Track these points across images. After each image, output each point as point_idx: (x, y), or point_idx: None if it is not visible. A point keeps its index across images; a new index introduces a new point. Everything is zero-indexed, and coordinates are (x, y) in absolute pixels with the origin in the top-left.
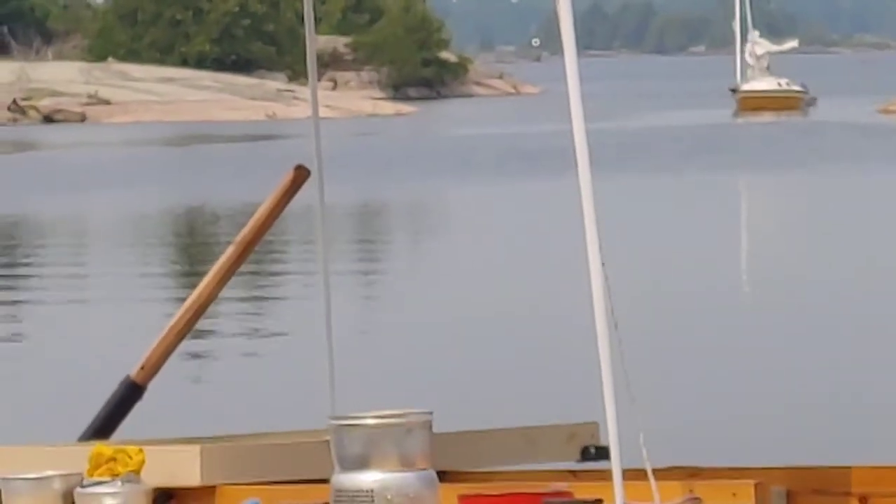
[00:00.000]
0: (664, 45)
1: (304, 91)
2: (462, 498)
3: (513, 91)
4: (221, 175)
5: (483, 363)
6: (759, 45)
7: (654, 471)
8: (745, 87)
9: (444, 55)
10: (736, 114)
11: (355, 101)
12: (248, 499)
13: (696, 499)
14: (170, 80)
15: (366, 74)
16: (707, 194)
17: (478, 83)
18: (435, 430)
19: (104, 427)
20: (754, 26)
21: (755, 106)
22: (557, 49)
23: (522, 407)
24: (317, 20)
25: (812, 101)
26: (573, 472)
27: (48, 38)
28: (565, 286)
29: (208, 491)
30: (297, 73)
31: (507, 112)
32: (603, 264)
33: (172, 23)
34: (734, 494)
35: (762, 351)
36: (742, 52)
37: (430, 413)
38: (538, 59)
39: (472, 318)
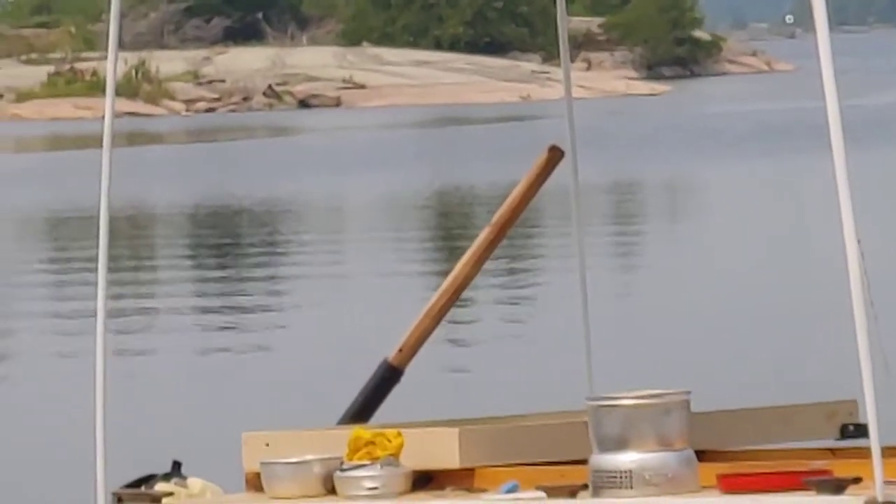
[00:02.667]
0: None
1: (557, 72)
2: (721, 477)
3: (766, 68)
4: (476, 157)
5: (739, 341)
6: None
7: None
8: None
9: (698, 34)
10: None
11: (609, 81)
12: (506, 481)
13: None
14: (424, 63)
15: (619, 54)
16: None
17: (731, 61)
18: (693, 409)
19: (363, 411)
20: None
21: None
22: (811, 25)
23: (780, 385)
24: (570, 1)
25: None
26: (832, 451)
27: (302, 23)
28: (821, 263)
29: (467, 473)
30: (550, 55)
31: (761, 90)
32: (858, 241)
33: (426, 6)
34: None
35: None
36: None
37: (688, 392)
38: (792, 36)
39: (728, 296)
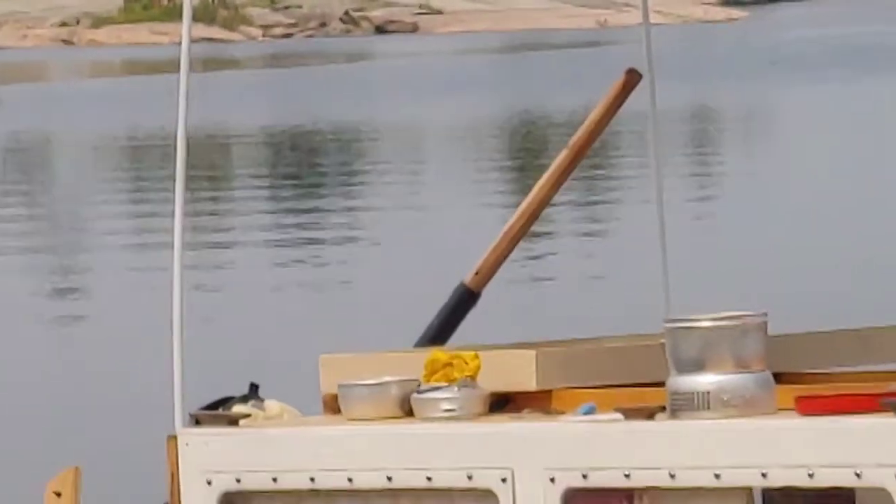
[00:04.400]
0: None
1: None
2: (798, 399)
3: None
4: (553, 83)
5: (816, 265)
6: None
7: None
8: None
9: None
10: None
11: (686, 6)
12: (583, 403)
13: None
14: None
15: None
16: None
17: None
18: (770, 331)
19: (440, 333)
20: None
21: None
22: None
23: (857, 308)
24: None
25: None
26: None
27: None
28: None
29: (544, 395)
30: None
31: (839, 13)
32: None
33: None
34: None
35: None
36: None
37: (765, 314)
38: None
39: (807, 219)
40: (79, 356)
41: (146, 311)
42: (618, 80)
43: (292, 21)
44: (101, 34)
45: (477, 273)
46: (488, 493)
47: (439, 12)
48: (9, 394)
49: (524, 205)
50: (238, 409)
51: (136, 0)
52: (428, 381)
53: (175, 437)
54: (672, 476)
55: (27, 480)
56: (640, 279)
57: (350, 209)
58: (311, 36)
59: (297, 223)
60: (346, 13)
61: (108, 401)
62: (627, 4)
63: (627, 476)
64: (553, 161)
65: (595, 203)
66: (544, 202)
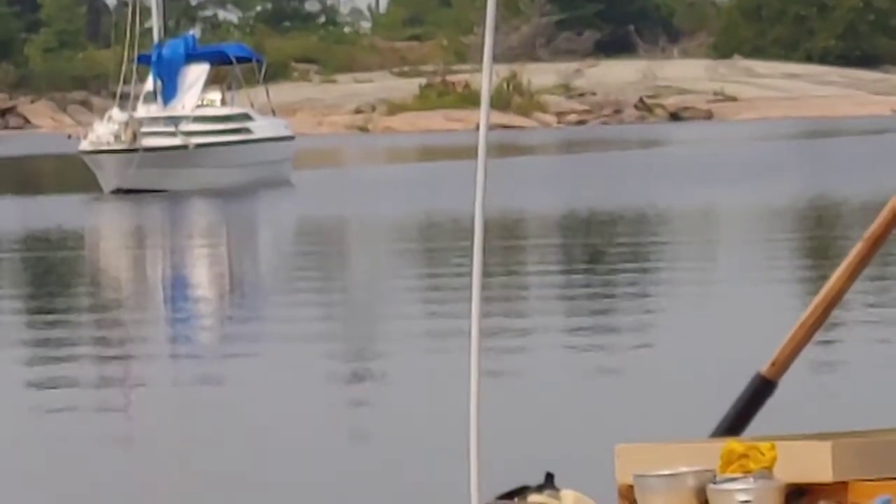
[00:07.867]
0: None
1: None
2: None
3: None
4: (848, 169)
5: None
6: None
7: None
8: None
9: None
10: None
11: None
12: (879, 495)
13: None
14: (795, 76)
15: None
16: None
17: None
18: None
19: (735, 424)
20: None
21: None
22: None
23: None
24: None
25: None
26: None
27: (673, 36)
28: None
29: (840, 486)
30: None
31: None
32: None
33: (797, 19)
34: None
35: None
36: None
37: None
38: None
39: None
40: (373, 442)
41: (440, 397)
42: None
43: (586, 108)
44: (397, 121)
45: (773, 364)
46: None
47: (734, 99)
48: (302, 483)
49: (820, 295)
50: (534, 498)
51: (432, 87)
52: (724, 471)
53: None
54: None
55: None
56: None
57: (643, 295)
58: (605, 123)
59: (591, 308)
60: (641, 100)
61: (400, 487)
62: None
63: None
64: (848, 251)
65: (888, 290)
66: (840, 293)
